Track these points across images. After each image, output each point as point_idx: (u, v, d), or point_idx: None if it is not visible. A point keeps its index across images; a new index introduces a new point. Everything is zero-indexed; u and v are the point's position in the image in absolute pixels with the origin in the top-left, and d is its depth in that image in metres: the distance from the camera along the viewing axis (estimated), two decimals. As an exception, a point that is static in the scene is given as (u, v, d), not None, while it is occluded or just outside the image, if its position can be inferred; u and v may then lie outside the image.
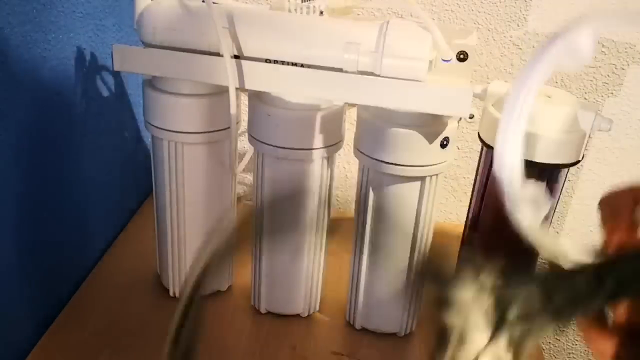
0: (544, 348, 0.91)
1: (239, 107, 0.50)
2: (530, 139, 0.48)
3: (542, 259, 0.26)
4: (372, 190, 0.50)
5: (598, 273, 0.25)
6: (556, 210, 0.58)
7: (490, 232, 0.56)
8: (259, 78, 0.47)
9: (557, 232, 0.82)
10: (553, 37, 0.24)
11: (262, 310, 0.58)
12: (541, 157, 0.48)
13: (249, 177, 0.82)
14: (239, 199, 0.60)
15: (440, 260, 0.28)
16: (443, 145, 0.47)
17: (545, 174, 0.50)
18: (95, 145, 0.61)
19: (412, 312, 0.56)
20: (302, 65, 0.46)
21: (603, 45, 0.69)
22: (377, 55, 0.44)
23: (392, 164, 0.47)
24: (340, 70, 0.45)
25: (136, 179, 0.73)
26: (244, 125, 0.54)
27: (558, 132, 0.48)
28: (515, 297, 0.25)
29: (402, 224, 0.51)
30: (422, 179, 0.49)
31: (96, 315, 0.56)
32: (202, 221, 0.56)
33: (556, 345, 0.91)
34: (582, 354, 0.91)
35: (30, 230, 0.51)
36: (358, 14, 0.70)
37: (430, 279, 0.27)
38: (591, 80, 0.72)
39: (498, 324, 0.25)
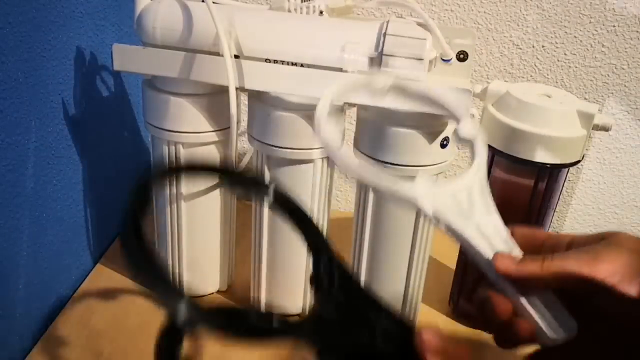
0: (544, 348, 0.91)
1: (239, 107, 0.50)
2: (530, 139, 0.48)
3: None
4: (372, 190, 0.50)
5: None
6: (556, 210, 0.58)
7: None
8: (259, 78, 0.47)
9: (557, 232, 0.82)
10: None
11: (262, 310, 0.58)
12: (541, 157, 0.48)
13: (249, 177, 0.81)
14: (239, 198, 0.60)
15: None
16: (443, 145, 0.47)
17: (545, 173, 0.50)
18: (95, 145, 0.61)
19: (411, 312, 0.56)
20: (302, 65, 0.46)
21: (603, 45, 0.69)
22: (376, 55, 0.44)
23: (392, 164, 0.47)
24: (340, 70, 0.45)
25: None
26: (244, 125, 0.54)
27: (558, 132, 0.48)
28: None
29: (403, 224, 0.51)
30: (422, 179, 0.49)
31: (96, 315, 0.56)
32: (201, 221, 0.56)
33: (556, 345, 0.90)
34: (582, 354, 0.90)
35: (30, 230, 0.51)
36: (358, 14, 0.70)
37: None
38: (591, 80, 0.72)
39: None
